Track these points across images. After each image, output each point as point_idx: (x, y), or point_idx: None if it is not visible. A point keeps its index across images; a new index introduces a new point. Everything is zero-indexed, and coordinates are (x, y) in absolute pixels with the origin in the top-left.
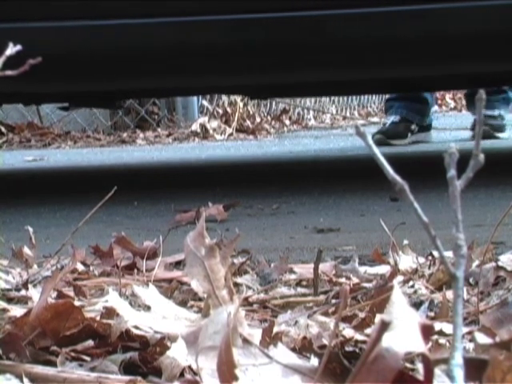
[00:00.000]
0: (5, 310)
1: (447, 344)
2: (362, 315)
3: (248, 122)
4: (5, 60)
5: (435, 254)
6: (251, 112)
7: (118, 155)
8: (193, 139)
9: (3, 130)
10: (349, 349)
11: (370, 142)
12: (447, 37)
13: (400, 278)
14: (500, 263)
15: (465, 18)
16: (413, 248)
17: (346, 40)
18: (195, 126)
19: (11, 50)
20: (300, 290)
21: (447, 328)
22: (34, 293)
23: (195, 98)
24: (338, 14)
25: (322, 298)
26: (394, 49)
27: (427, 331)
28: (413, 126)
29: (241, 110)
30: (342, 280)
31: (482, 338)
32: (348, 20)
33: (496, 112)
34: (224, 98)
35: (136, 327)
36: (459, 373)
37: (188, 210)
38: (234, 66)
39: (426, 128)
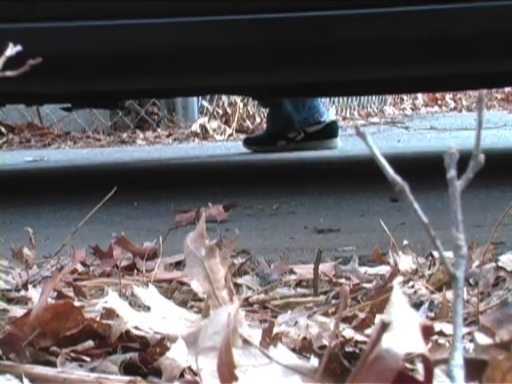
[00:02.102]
0: (5, 311)
1: (447, 344)
2: (362, 316)
3: (248, 123)
4: (5, 60)
5: (435, 254)
6: (251, 112)
7: (118, 155)
8: (193, 139)
9: (3, 130)
10: (349, 349)
11: (370, 142)
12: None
13: (400, 278)
14: (500, 263)
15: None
16: (413, 248)
17: (349, 40)
18: (195, 127)
19: (11, 50)
20: (300, 290)
21: (447, 328)
22: (34, 293)
23: (195, 99)
24: (342, 15)
25: (321, 298)
26: (397, 48)
27: (427, 332)
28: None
29: (241, 111)
30: (342, 280)
31: (482, 339)
32: (352, 20)
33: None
34: (224, 98)
35: (136, 328)
36: (459, 373)
37: (188, 210)
38: (236, 67)
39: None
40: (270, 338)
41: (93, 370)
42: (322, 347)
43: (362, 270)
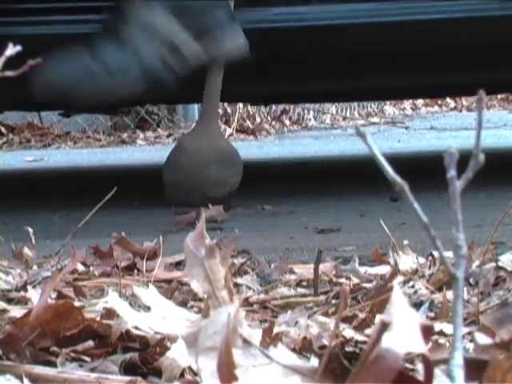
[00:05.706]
0: (5, 311)
1: (447, 344)
2: (362, 315)
3: (248, 123)
4: (5, 61)
5: (435, 254)
6: (251, 112)
7: (118, 155)
8: None
9: (3, 130)
10: (349, 349)
11: (370, 141)
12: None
13: (400, 278)
14: (500, 263)
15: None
16: (413, 248)
17: (348, 50)
18: None
19: (11, 50)
20: (300, 290)
21: (447, 328)
22: (34, 293)
23: None
24: (342, 25)
25: (322, 298)
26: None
27: (427, 331)
28: None
29: (241, 111)
30: (342, 280)
31: (482, 338)
32: (350, 31)
33: None
34: None
35: (136, 328)
36: (459, 373)
37: (188, 210)
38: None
39: None
40: (270, 338)
41: (93, 369)
42: (322, 347)
43: (362, 269)
